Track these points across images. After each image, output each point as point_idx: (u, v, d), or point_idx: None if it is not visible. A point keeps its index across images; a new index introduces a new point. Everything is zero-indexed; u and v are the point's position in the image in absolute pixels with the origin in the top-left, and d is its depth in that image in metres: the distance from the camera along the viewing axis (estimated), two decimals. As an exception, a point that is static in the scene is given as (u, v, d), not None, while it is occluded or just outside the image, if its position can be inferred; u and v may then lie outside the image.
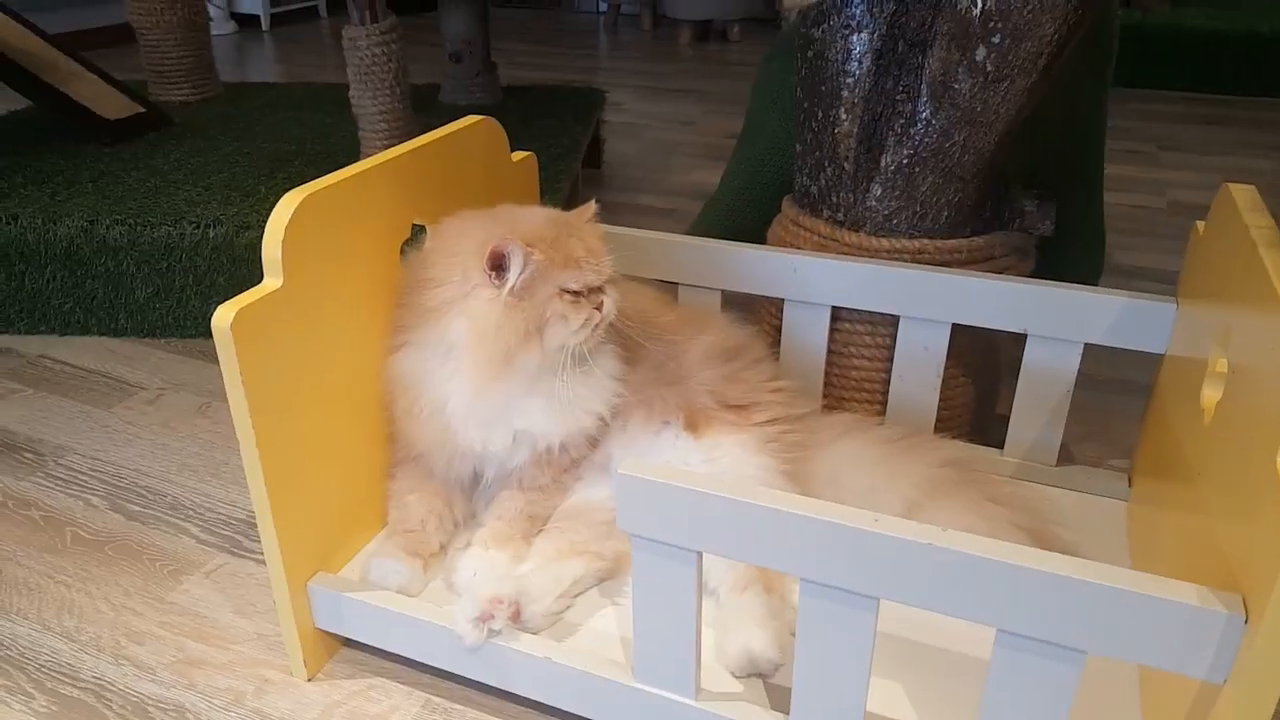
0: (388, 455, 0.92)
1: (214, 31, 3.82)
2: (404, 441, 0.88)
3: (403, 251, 0.90)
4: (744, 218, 1.27)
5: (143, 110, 1.83)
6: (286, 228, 0.76)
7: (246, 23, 4.05)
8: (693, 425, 0.90)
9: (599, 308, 0.82)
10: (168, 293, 1.44)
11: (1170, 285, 1.16)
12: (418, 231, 0.92)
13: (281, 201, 0.77)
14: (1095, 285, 1.19)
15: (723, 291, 1.06)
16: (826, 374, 1.05)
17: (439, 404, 0.84)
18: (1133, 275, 1.76)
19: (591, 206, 0.87)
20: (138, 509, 1.10)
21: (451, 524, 0.92)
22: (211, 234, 1.39)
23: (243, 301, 0.73)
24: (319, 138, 1.82)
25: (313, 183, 0.79)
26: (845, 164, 1.03)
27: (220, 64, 3.54)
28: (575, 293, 0.81)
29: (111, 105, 1.79)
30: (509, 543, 0.87)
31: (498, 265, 0.79)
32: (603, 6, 4.44)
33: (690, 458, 0.88)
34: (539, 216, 0.84)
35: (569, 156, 1.73)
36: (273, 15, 4.08)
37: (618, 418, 0.90)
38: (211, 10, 3.83)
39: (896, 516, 0.89)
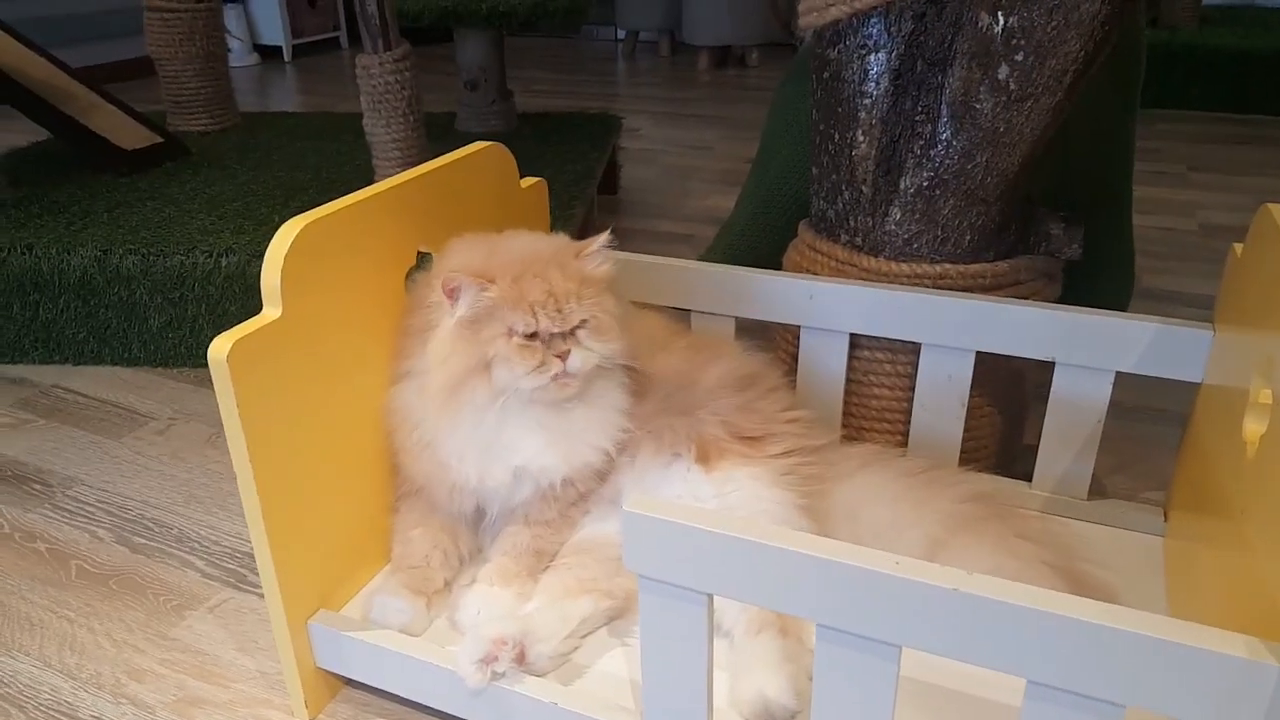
0: (392, 489, 0.90)
1: (236, 63, 3.89)
2: (406, 475, 0.86)
3: (408, 278, 0.89)
4: (759, 243, 1.24)
5: (160, 140, 1.84)
6: (286, 256, 0.74)
7: (268, 54, 4.11)
8: (704, 457, 0.86)
9: (563, 356, 0.79)
10: (180, 322, 1.43)
11: (1202, 310, 1.11)
12: (423, 259, 0.90)
13: (281, 230, 0.75)
14: (1124, 310, 1.15)
15: (737, 319, 1.03)
16: (845, 403, 1.02)
17: (432, 436, 0.81)
18: (1163, 299, 1.71)
19: (594, 243, 0.82)
20: (143, 541, 1.08)
21: (457, 560, 0.89)
22: (224, 263, 1.39)
23: (240, 332, 0.71)
24: (335, 166, 1.82)
25: (314, 210, 0.78)
26: (863, 187, 1.00)
27: (242, 94, 3.61)
28: (530, 335, 0.78)
29: (129, 135, 1.80)
30: (514, 580, 0.84)
31: (451, 294, 0.78)
32: (620, 34, 4.47)
33: (701, 491, 0.85)
34: (523, 248, 0.81)
35: (584, 182, 1.72)
36: (294, 46, 4.14)
37: (626, 450, 0.87)
38: (233, 42, 3.89)
39: (920, 553, 0.87)
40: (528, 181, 1.05)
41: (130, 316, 1.44)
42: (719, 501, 0.84)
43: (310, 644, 0.82)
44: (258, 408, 0.72)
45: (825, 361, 1.01)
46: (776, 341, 1.11)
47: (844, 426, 1.03)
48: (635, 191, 2.34)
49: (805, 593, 0.59)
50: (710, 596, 0.63)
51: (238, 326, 0.72)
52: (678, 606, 0.64)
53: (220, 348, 0.70)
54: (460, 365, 0.78)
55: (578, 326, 0.79)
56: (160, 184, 1.71)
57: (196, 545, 1.08)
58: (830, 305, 0.98)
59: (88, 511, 1.14)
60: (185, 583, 1.02)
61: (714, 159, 2.66)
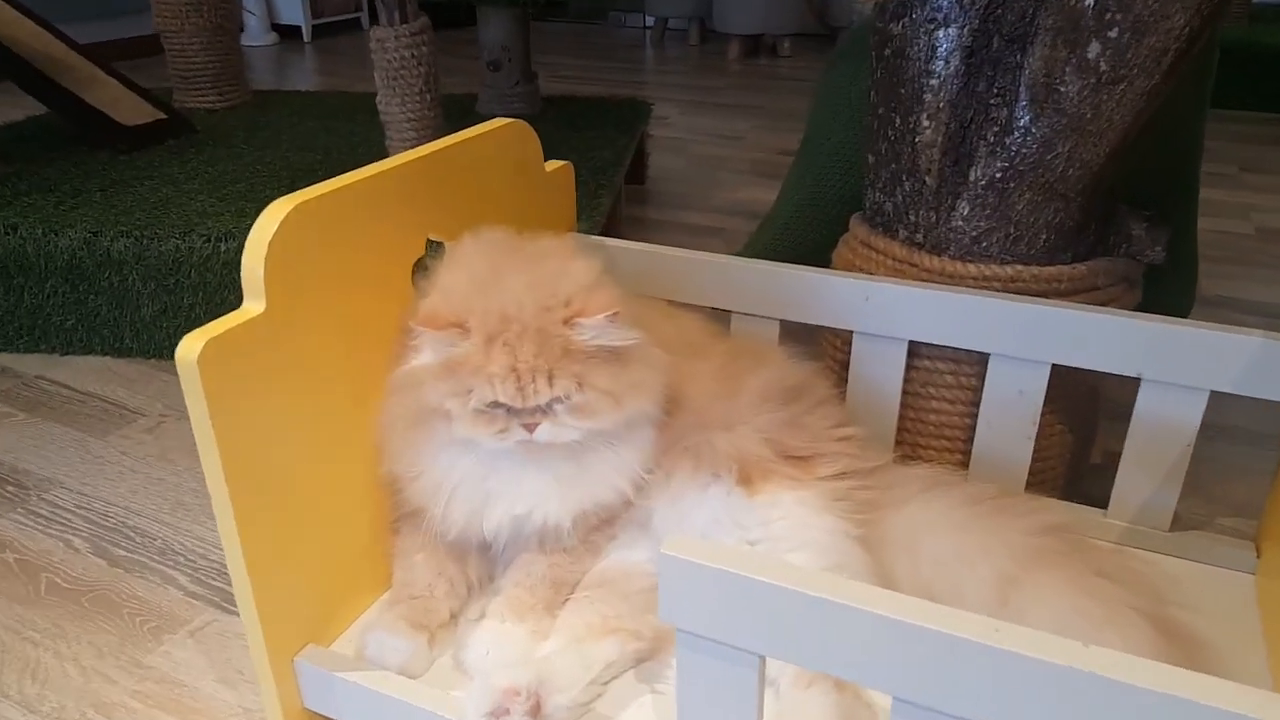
0: (391, 507, 0.80)
1: (253, 41, 3.80)
2: (404, 496, 0.76)
3: (416, 271, 0.78)
4: (805, 238, 1.13)
5: (163, 116, 1.75)
6: (272, 241, 0.64)
7: (287, 34, 4.02)
8: (747, 479, 0.76)
9: (530, 427, 0.69)
10: (175, 311, 1.34)
11: (1264, 318, 0.99)
12: (434, 248, 0.80)
13: (266, 211, 0.65)
14: (1186, 317, 1.03)
15: (782, 321, 0.93)
16: (900, 419, 0.91)
17: (425, 466, 0.72)
18: (1219, 305, 1.59)
19: (592, 312, 0.68)
20: (123, 553, 0.99)
21: (464, 588, 0.79)
22: (223, 248, 1.29)
23: (215, 329, 0.61)
24: (347, 147, 1.72)
25: (306, 190, 0.68)
26: (927, 178, 0.89)
27: (257, 74, 3.52)
28: (492, 404, 0.68)
29: (130, 111, 1.71)
30: (529, 614, 0.74)
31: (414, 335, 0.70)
32: (649, 20, 4.35)
33: (744, 517, 0.74)
34: (517, 291, 0.69)
35: (611, 169, 1.62)
36: (314, 26, 4.05)
37: (661, 467, 0.77)
38: (252, 21, 3.80)
39: (989, 590, 0.76)
40: (553, 165, 0.95)
41: (121, 304, 1.35)
42: (763, 530, 0.73)
43: (297, 683, 0.72)
44: (235, 416, 0.63)
45: (880, 371, 0.90)
46: (823, 348, 1.00)
47: (897, 444, 0.92)
48: (663, 181, 2.23)
49: (881, 661, 0.48)
50: (762, 659, 0.53)
51: (213, 322, 0.62)
52: (723, 668, 0.54)
53: (190, 348, 0.60)
54: (419, 401, 0.70)
55: (550, 403, 0.68)
56: (160, 162, 1.62)
57: (181, 559, 0.98)
58: (888, 308, 0.87)
59: (64, 518, 1.04)
60: (165, 602, 0.92)
61: (745, 149, 2.55)
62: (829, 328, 0.94)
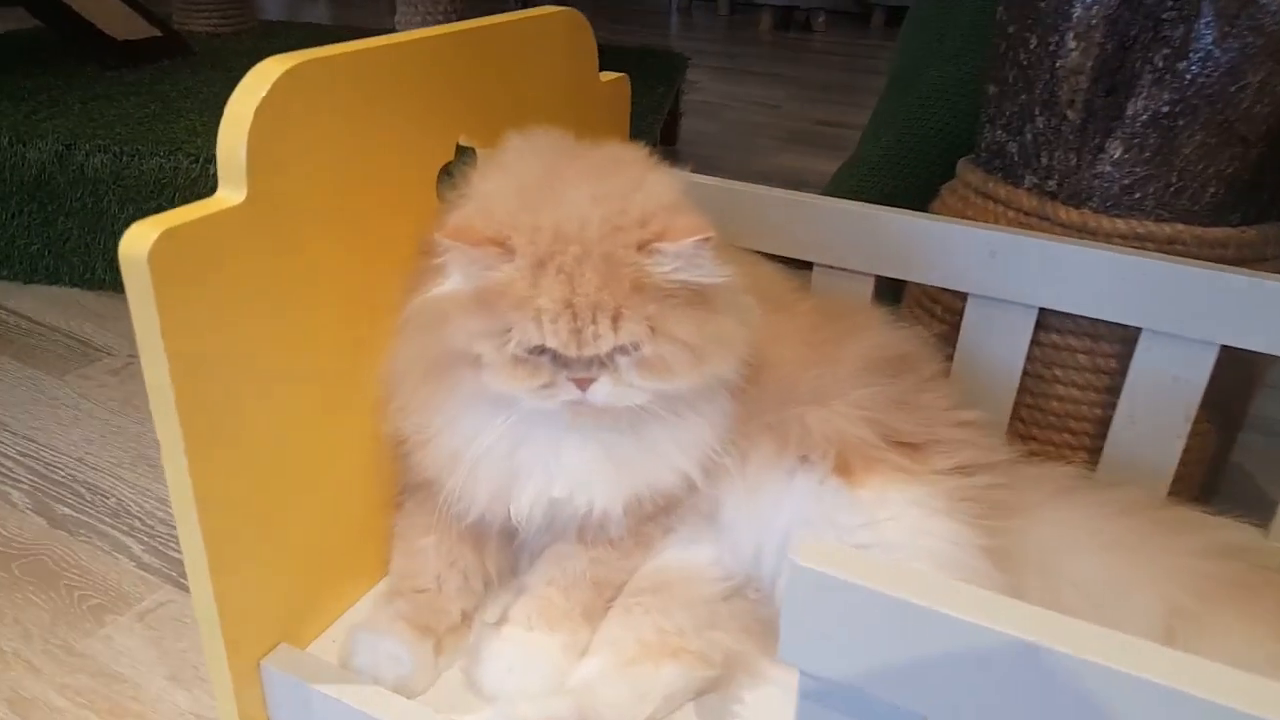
0: (393, 476, 0.64)
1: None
2: (411, 462, 0.60)
3: (441, 180, 0.62)
4: (897, 184, 0.97)
5: (158, 34, 1.58)
6: (258, 111, 0.48)
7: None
8: (846, 467, 0.60)
9: (584, 384, 0.52)
10: (154, 240, 1.17)
11: None
12: (464, 155, 0.63)
13: (253, 72, 0.49)
14: None
15: (877, 278, 0.76)
16: (1016, 402, 0.75)
17: (441, 427, 0.56)
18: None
19: (675, 234, 0.51)
20: (68, 512, 0.83)
21: (480, 582, 0.63)
22: (212, 169, 1.11)
23: (175, 219, 0.45)
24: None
25: (307, 51, 0.51)
26: (1069, 112, 0.73)
27: (270, 5, 3.33)
28: (536, 349, 0.51)
29: (122, 25, 1.54)
30: (563, 623, 0.58)
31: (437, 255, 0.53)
32: (675, -13, 4.16)
33: (843, 515, 0.58)
34: (576, 203, 0.52)
35: (651, 117, 1.45)
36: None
37: (734, 447, 0.61)
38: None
39: (1156, 625, 0.60)
40: (608, 76, 0.78)
41: (95, 228, 1.18)
42: (869, 533, 0.58)
43: (263, 692, 0.56)
44: (195, 338, 0.46)
45: (998, 344, 0.74)
46: (915, 311, 0.84)
47: (1009, 431, 0.76)
48: (695, 145, 2.06)
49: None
50: (925, 720, 0.37)
51: (174, 210, 0.46)
52: (862, 727, 0.38)
53: (138, 239, 0.44)
54: (440, 341, 0.53)
55: (612, 352, 0.52)
56: (150, 80, 1.45)
57: (137, 524, 0.82)
58: (1017, 268, 0.70)
59: (5, 467, 0.88)
60: (113, 574, 0.76)
61: (782, 117, 2.38)
62: (926, 287, 0.78)
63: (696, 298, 0.53)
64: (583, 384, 0.52)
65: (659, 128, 1.56)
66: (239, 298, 0.49)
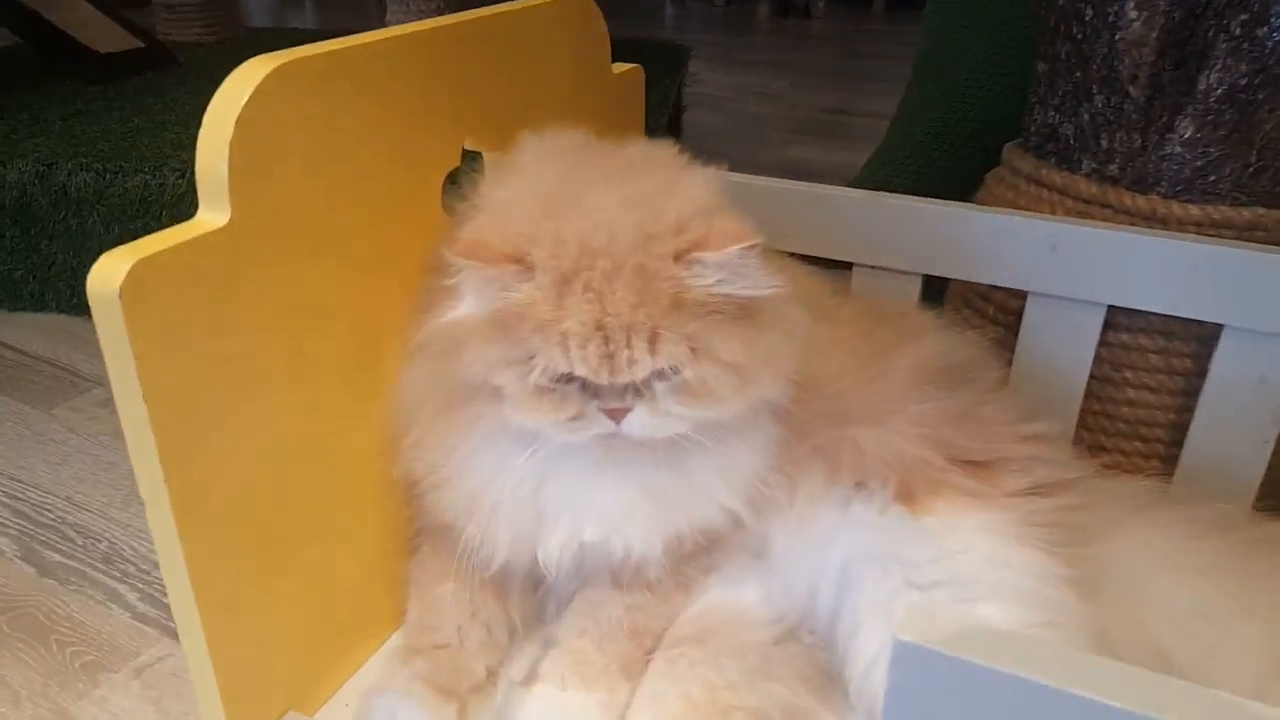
0: (407, 519, 0.57)
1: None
2: (428, 505, 0.54)
3: (447, 189, 0.56)
4: (934, 175, 0.90)
5: (141, 45, 1.52)
6: (240, 121, 0.42)
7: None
8: (908, 494, 0.54)
9: (617, 415, 0.46)
10: (144, 260, 1.12)
11: None
12: (470, 160, 0.57)
13: (234, 75, 0.43)
14: None
15: (925, 277, 0.70)
16: (1082, 409, 0.69)
17: (457, 467, 0.50)
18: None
19: (716, 242, 0.45)
20: (58, 559, 0.77)
21: (505, 634, 0.57)
22: (200, 185, 1.06)
23: (149, 247, 0.39)
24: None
25: (293, 49, 0.45)
26: (1131, 88, 0.66)
27: (254, 9, 3.26)
28: (564, 378, 0.45)
29: (104, 37, 1.48)
30: (599, 679, 0.52)
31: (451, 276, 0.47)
32: (669, -22, 4.09)
33: (909, 549, 0.52)
34: (603, 211, 0.46)
35: (659, 111, 1.39)
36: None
37: (780, 476, 0.55)
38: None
39: (1257, 660, 0.55)
40: (621, 68, 0.72)
41: (80, 250, 1.12)
42: (939, 568, 0.51)
43: (269, 768, 0.51)
44: (176, 379, 0.41)
45: (1061, 346, 0.68)
46: (961, 315, 0.77)
47: (1074, 441, 0.70)
48: (700, 139, 2.00)
49: None
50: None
51: (148, 237, 0.40)
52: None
53: (108, 272, 0.38)
54: (454, 372, 0.47)
55: (649, 379, 0.46)
56: (134, 93, 1.39)
57: (131, 568, 0.76)
58: (1083, 261, 0.64)
59: (-11, 511, 0.83)
60: (108, 626, 0.71)
61: (788, 107, 2.31)
62: (975, 286, 0.72)
63: (741, 312, 0.47)
64: (616, 415, 0.46)
65: (665, 122, 1.50)
66: (225, 330, 0.43)
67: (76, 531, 0.81)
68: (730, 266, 0.45)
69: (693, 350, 0.45)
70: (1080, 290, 0.65)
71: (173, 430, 0.41)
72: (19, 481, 0.86)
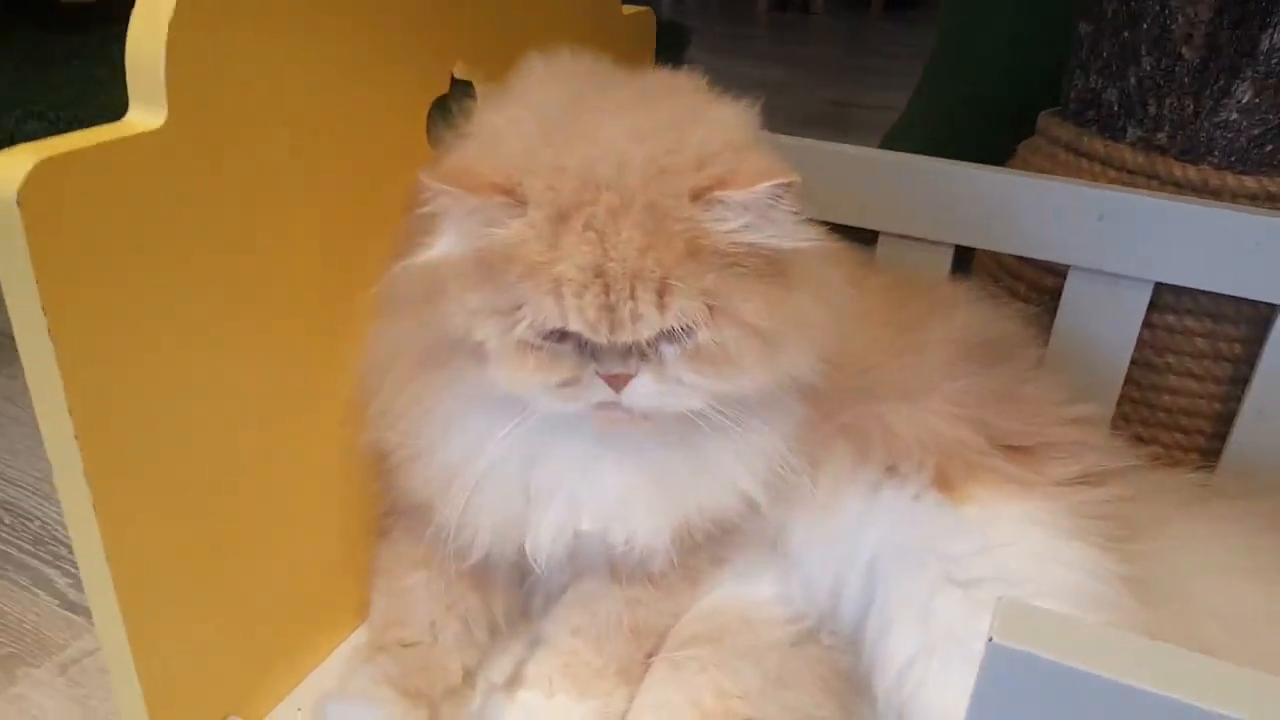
0: (373, 495, 0.50)
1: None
2: (399, 482, 0.47)
3: (432, 119, 0.49)
4: (961, 145, 0.84)
5: (110, -4, 1.43)
6: (179, 5, 0.35)
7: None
8: (946, 480, 0.48)
9: (618, 382, 0.40)
10: (98, 220, 1.04)
11: None
12: (460, 89, 0.51)
13: (177, -54, 0.36)
14: None
15: (957, 247, 0.64)
16: (1120, 395, 0.63)
17: (433, 439, 0.43)
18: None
19: (747, 179, 0.38)
20: (-18, 538, 0.69)
21: (485, 630, 0.50)
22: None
23: (57, 147, 0.32)
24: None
25: (253, -75, 0.38)
26: (1184, 49, 0.61)
27: None
28: (555, 334, 0.39)
29: (68, -15, 1.39)
30: (594, 684, 0.46)
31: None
32: (662, -29, 4.03)
33: (947, 541, 0.46)
34: (614, 138, 0.40)
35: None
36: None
37: (802, 456, 0.49)
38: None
39: None
40: (631, 9, 0.66)
41: (28, 208, 1.04)
42: (982, 562, 0.46)
43: (204, 782, 0.43)
44: (95, 316, 0.33)
45: (1102, 325, 0.62)
46: (988, 290, 0.71)
47: (1111, 428, 0.64)
48: (697, 127, 1.94)
49: None
50: None
51: (63, 136, 0.33)
52: None
53: (5, 173, 0.30)
54: (433, 325, 0.40)
55: (657, 339, 0.39)
56: (100, 44, 1.30)
57: (64, 551, 0.69)
58: (1130, 234, 0.58)
59: (-93, 483, 0.75)
60: (31, 614, 0.63)
61: (792, 98, 2.26)
62: (1005, 260, 0.66)
63: (770, 267, 0.41)
64: (617, 382, 0.39)
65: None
66: (154, 254, 0.36)
67: (4, 509, 0.73)
68: (757, 209, 0.39)
69: (710, 308, 0.39)
70: (1126, 265, 0.59)
71: (89, 379, 0.33)
72: (-56, 452, 0.78)
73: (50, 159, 0.31)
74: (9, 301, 0.32)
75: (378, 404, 0.46)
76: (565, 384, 0.40)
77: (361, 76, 0.44)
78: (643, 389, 0.40)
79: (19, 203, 0.30)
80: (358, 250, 0.45)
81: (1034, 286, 0.66)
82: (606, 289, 0.37)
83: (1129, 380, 0.63)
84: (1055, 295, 0.63)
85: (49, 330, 0.32)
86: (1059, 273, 0.63)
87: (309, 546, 0.48)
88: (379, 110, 0.46)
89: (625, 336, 0.38)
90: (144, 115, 0.35)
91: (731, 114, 0.43)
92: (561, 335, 0.39)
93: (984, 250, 0.69)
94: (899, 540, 0.47)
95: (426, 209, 0.39)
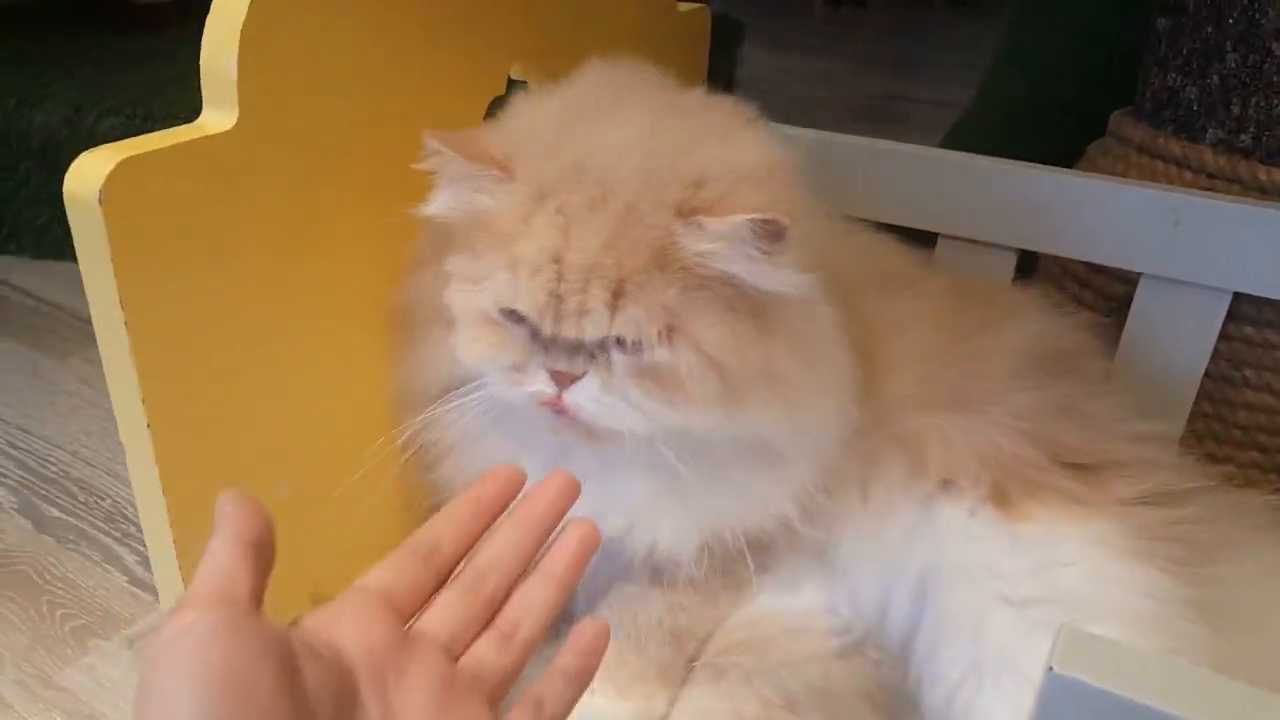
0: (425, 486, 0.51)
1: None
2: (436, 480, 0.47)
3: (491, 117, 0.50)
4: (1028, 143, 0.82)
5: (184, -7, 1.47)
6: (252, 8, 0.35)
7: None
8: (1003, 496, 0.47)
9: (562, 380, 0.39)
10: (171, 210, 1.07)
11: None
12: (515, 88, 0.51)
13: (249, -45, 0.36)
14: None
15: (1021, 252, 0.62)
16: (1195, 409, 0.61)
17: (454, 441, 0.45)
18: None
19: (741, 210, 0.38)
20: (57, 515, 0.72)
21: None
22: (232, 133, 1.01)
23: (135, 148, 0.33)
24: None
25: (320, -69, 0.39)
26: (1274, 45, 0.58)
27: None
28: (510, 314, 0.39)
29: (140, -14, 1.44)
30: (635, 687, 0.46)
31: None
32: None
33: (1004, 560, 0.45)
34: (627, 140, 0.40)
35: (712, 85, 1.31)
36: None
37: (848, 467, 0.48)
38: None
39: None
40: (686, 6, 0.65)
41: (105, 198, 1.08)
42: (1040, 582, 0.44)
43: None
44: (169, 303, 0.34)
45: (1175, 337, 0.59)
46: (1047, 291, 0.69)
47: (1181, 445, 0.61)
48: (751, 119, 1.92)
49: None
50: None
51: (140, 138, 0.34)
52: None
53: (87, 175, 0.32)
54: (418, 289, 0.43)
55: (605, 343, 0.39)
56: (170, 44, 1.35)
57: (133, 529, 0.71)
58: (1208, 240, 0.56)
59: (-10, 460, 0.78)
60: (102, 590, 0.66)
61: (843, 91, 2.23)
62: (1071, 266, 0.64)
63: (744, 302, 0.39)
64: (561, 378, 0.39)
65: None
66: (227, 256, 0.37)
67: (79, 487, 0.76)
68: (735, 241, 0.37)
69: (668, 328, 0.38)
70: (1203, 273, 0.57)
71: (158, 366, 0.35)
72: (25, 432, 0.82)
73: (130, 159, 0.32)
74: (90, 295, 0.34)
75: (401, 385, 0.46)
76: (513, 368, 0.40)
77: (424, 77, 0.45)
78: (585, 393, 0.39)
79: (101, 201, 0.31)
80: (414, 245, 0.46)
81: (1102, 294, 0.64)
82: (559, 277, 0.37)
83: (1202, 395, 0.60)
84: (1125, 304, 0.61)
85: (126, 323, 0.33)
86: (1129, 280, 0.60)
87: (367, 534, 0.49)
88: (441, 110, 0.46)
89: (570, 331, 0.38)
90: (217, 117, 0.36)
91: (758, 145, 0.42)
92: (518, 317, 0.39)
93: (1049, 255, 0.67)
94: (953, 557, 0.46)
95: (423, 164, 0.40)
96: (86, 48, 1.30)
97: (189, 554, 0.39)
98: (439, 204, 0.41)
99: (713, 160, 0.40)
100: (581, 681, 0.31)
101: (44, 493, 0.74)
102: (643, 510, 0.44)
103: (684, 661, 0.48)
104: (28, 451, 0.79)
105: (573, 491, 0.32)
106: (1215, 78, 0.61)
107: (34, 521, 0.71)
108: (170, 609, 0.24)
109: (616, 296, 0.37)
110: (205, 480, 0.38)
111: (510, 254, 0.38)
